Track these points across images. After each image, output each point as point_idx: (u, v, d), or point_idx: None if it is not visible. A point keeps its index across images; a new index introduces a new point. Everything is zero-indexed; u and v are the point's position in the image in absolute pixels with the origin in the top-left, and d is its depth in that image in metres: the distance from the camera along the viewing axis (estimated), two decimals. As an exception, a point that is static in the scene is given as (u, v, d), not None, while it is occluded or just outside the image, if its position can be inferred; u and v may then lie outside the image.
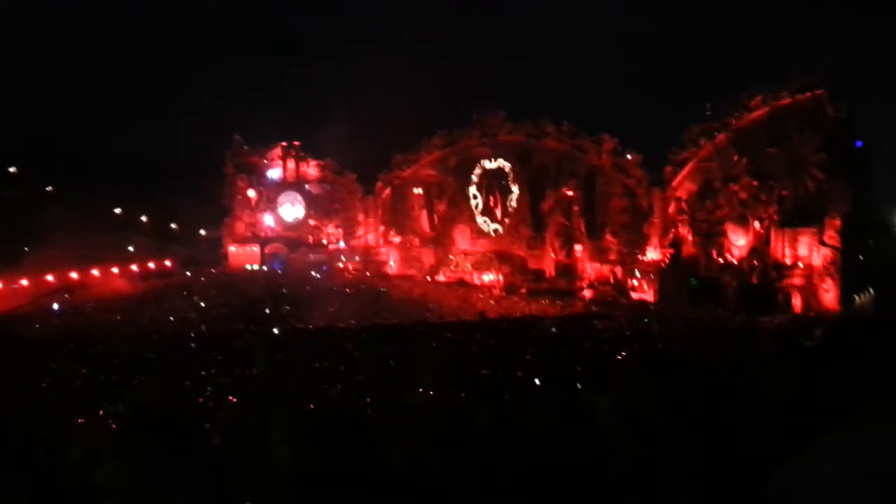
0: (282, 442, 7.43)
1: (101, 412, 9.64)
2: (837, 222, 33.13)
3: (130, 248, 51.51)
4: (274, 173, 55.62)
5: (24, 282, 41.80)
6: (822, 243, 33.51)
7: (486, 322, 28.75)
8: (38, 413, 10.53)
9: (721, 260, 38.08)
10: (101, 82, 59.28)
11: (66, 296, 40.52)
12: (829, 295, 32.91)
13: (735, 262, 37.31)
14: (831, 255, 33.11)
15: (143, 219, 54.25)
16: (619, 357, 13.33)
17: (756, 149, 36.87)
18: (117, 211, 53.13)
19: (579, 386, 8.16)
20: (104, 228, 47.67)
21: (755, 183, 36.72)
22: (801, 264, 34.12)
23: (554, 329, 21.56)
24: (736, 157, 37.66)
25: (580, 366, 12.10)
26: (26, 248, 46.23)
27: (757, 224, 36.61)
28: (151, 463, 4.71)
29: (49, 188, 53.42)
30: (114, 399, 11.50)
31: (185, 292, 42.52)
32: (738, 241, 37.39)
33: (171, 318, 35.37)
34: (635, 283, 41.75)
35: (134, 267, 49.22)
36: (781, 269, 34.71)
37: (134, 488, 4.57)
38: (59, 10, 60.44)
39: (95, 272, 45.75)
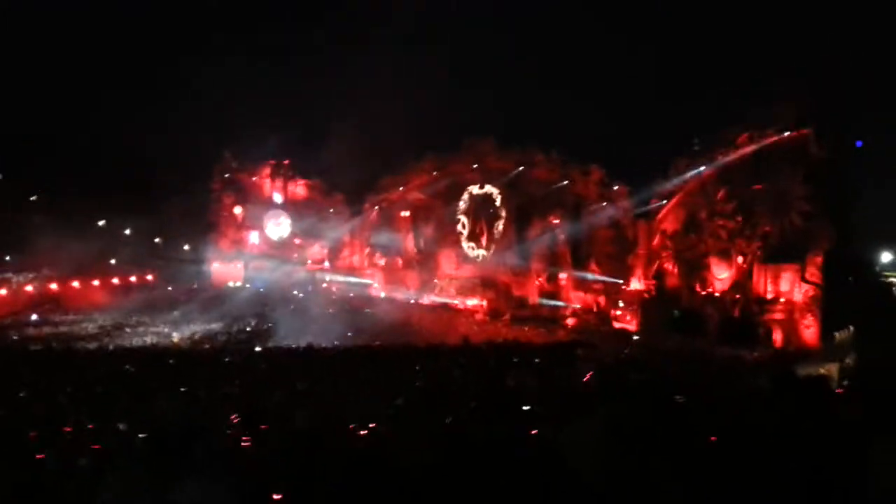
0: (262, 462, 7.37)
1: (78, 426, 9.51)
2: (819, 259, 33.53)
3: (112, 261, 51.05)
4: (261, 191, 55.58)
5: (2, 291, 41.34)
6: (804, 280, 33.85)
7: (468, 347, 28.66)
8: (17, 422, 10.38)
9: (704, 293, 38.32)
10: (87, 90, 58.89)
11: (48, 307, 40.10)
12: (809, 331, 33.20)
13: (717, 295, 37.56)
14: (812, 292, 33.44)
15: (127, 232, 53.78)
16: (599, 386, 13.32)
17: (742, 184, 37.27)
18: (101, 223, 52.64)
19: (561, 413, 8.16)
20: (87, 240, 47.23)
21: (739, 218, 37.08)
22: (782, 299, 34.40)
23: (537, 360, 21.53)
24: (721, 193, 38.04)
25: (561, 394, 12.08)
26: (7, 258, 45.74)
27: (740, 259, 36.91)
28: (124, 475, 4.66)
29: (33, 198, 52.92)
30: (90, 414, 11.35)
31: (166, 307, 42.24)
32: (721, 275, 37.67)
33: (151, 333, 35.03)
34: (618, 312, 41.93)
35: (115, 280, 48.79)
36: (763, 304, 34.97)
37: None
38: (42, 14, 60.14)
39: (76, 284, 45.30)
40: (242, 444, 7.09)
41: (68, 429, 9.06)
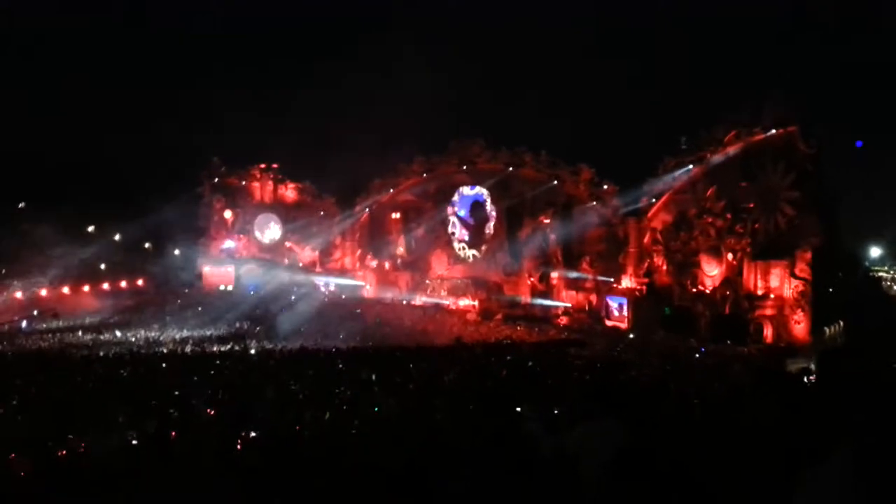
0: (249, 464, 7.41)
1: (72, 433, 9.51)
2: (808, 255, 33.69)
3: (102, 266, 50.83)
4: (251, 195, 55.49)
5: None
6: (794, 275, 34.03)
7: (461, 347, 28.73)
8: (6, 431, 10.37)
9: (694, 290, 38.49)
10: (76, 94, 58.68)
11: (44, 314, 39.91)
12: (799, 326, 33.39)
13: (708, 292, 37.73)
14: (802, 287, 33.64)
15: (116, 237, 53.55)
16: (595, 386, 13.41)
17: (730, 182, 37.43)
18: (90, 229, 52.40)
19: (555, 412, 8.24)
20: (76, 246, 46.96)
21: (728, 215, 37.27)
22: (772, 295, 34.59)
23: (531, 363, 21.59)
24: (710, 190, 38.24)
25: (554, 393, 12.17)
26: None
27: (730, 255, 37.09)
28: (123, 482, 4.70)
29: (21, 205, 52.66)
30: (83, 419, 11.33)
31: (158, 312, 42.11)
32: (712, 272, 37.84)
33: (143, 338, 34.89)
34: (612, 311, 42.07)
35: (106, 286, 48.56)
36: (753, 300, 35.15)
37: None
38: (35, 25, 59.87)
39: (66, 290, 45.09)
40: (232, 446, 7.13)
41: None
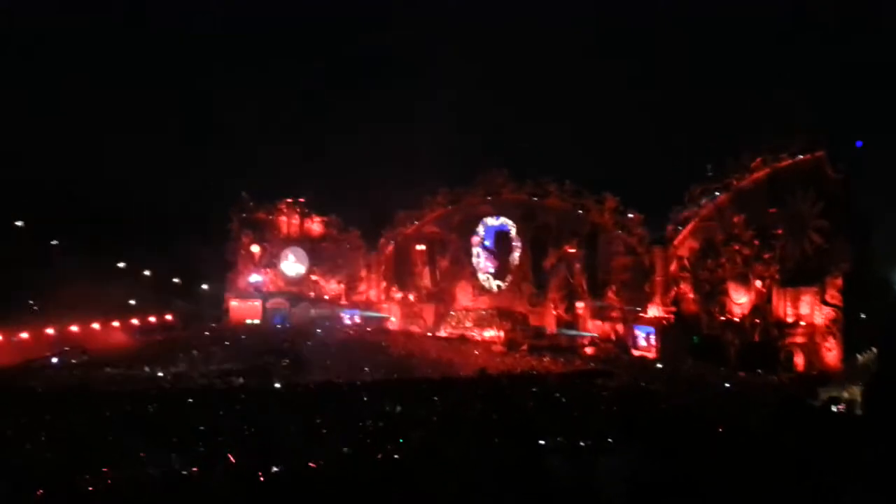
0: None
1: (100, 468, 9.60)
2: (839, 281, 33.17)
3: (132, 302, 51.44)
4: (278, 229, 56.07)
5: (24, 335, 41.65)
6: (824, 302, 33.49)
7: (486, 378, 28.55)
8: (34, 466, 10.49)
9: (723, 318, 37.98)
10: (105, 135, 59.74)
11: (70, 350, 40.39)
12: (831, 353, 32.78)
13: (737, 320, 37.21)
14: (833, 314, 33.07)
15: (146, 273, 54.23)
16: (621, 418, 13.28)
17: (757, 208, 37.15)
18: (120, 264, 53.15)
19: (581, 444, 8.17)
20: (107, 282, 47.58)
21: (756, 242, 36.89)
22: (802, 323, 34.03)
23: (557, 394, 21.37)
24: (737, 217, 37.91)
25: (580, 425, 12.04)
26: (31, 302, 46.25)
27: (758, 282, 36.63)
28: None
29: (54, 242, 53.63)
30: (109, 455, 11.43)
31: (185, 347, 42.42)
32: (740, 300, 37.37)
33: (171, 373, 35.17)
34: (639, 340, 41.58)
35: (135, 321, 49.09)
36: (783, 328, 34.60)
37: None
38: (62, 70, 61.21)
39: (96, 326, 45.64)
40: (256, 481, 7.14)
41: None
